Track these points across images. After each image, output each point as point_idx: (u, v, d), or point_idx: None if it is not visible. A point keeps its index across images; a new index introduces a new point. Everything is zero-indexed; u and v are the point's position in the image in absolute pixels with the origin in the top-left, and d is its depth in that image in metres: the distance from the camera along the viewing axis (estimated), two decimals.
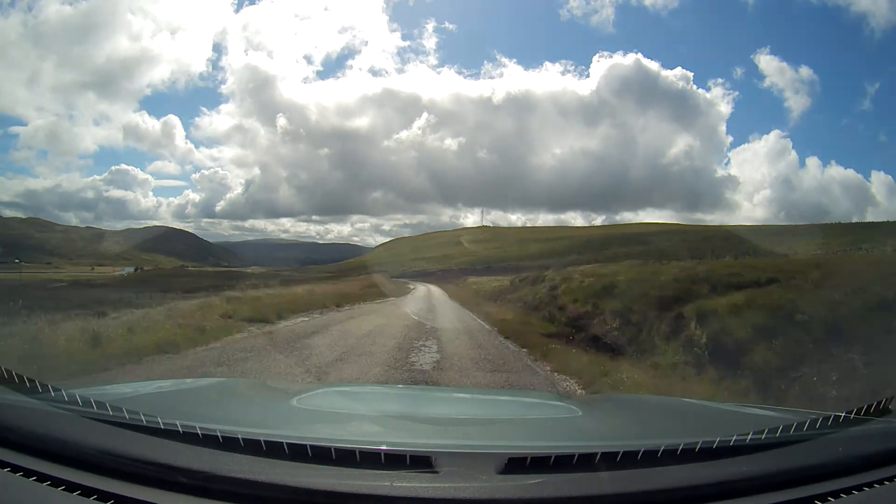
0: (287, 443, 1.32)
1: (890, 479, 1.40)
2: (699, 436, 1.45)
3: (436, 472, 1.27)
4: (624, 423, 2.31)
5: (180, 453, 1.31)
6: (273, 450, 1.31)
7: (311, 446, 1.31)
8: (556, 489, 1.25)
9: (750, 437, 1.45)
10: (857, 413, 1.66)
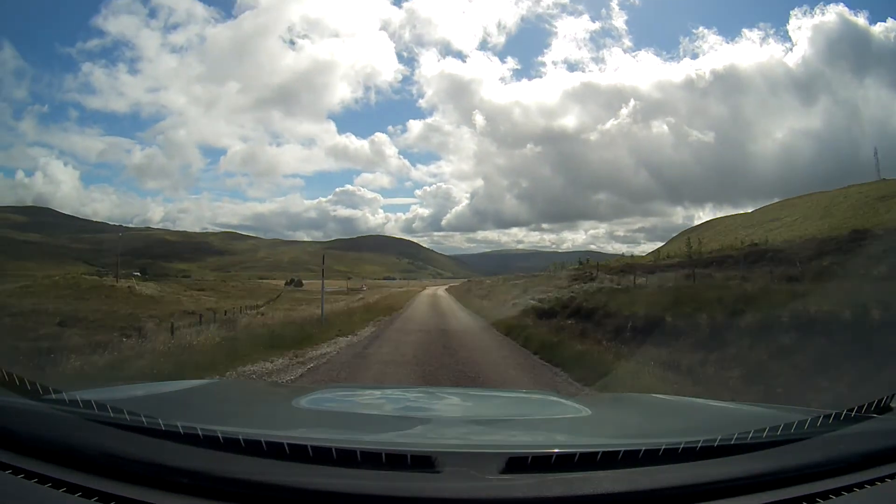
0: (288, 443, 1.32)
1: (891, 477, 1.40)
2: (700, 435, 1.45)
3: (437, 472, 1.27)
4: (625, 422, 2.31)
5: (181, 454, 1.31)
6: (274, 450, 1.31)
7: (312, 447, 1.31)
8: (558, 489, 1.25)
9: (751, 435, 1.45)
10: (857, 411, 1.66)
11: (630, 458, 1.33)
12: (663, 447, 1.36)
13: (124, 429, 1.39)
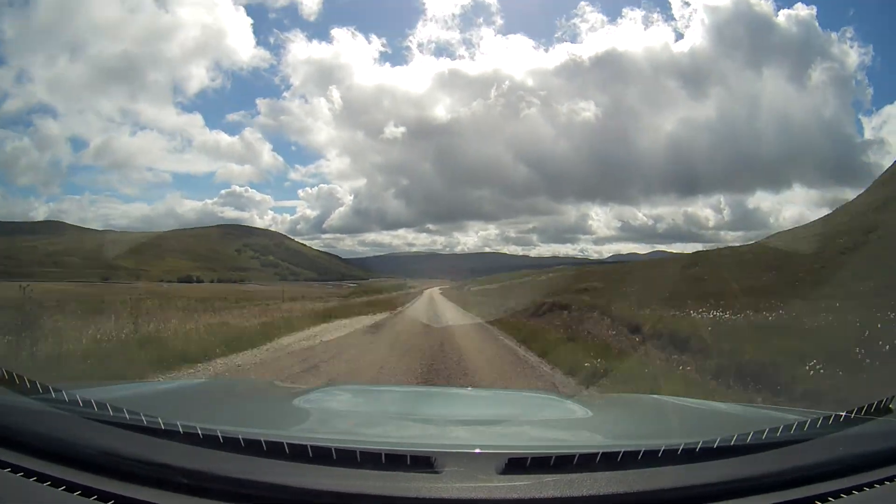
0: (287, 443, 1.32)
1: (890, 479, 1.40)
2: (700, 436, 1.45)
3: (436, 473, 1.28)
4: (625, 423, 2.31)
5: (181, 453, 1.31)
6: (273, 450, 1.31)
7: (312, 447, 1.31)
8: (557, 489, 1.25)
9: (751, 436, 1.45)
10: (858, 412, 1.66)
11: (630, 459, 1.33)
12: (663, 448, 1.36)
13: (124, 427, 1.39)
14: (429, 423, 2.17)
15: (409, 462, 1.30)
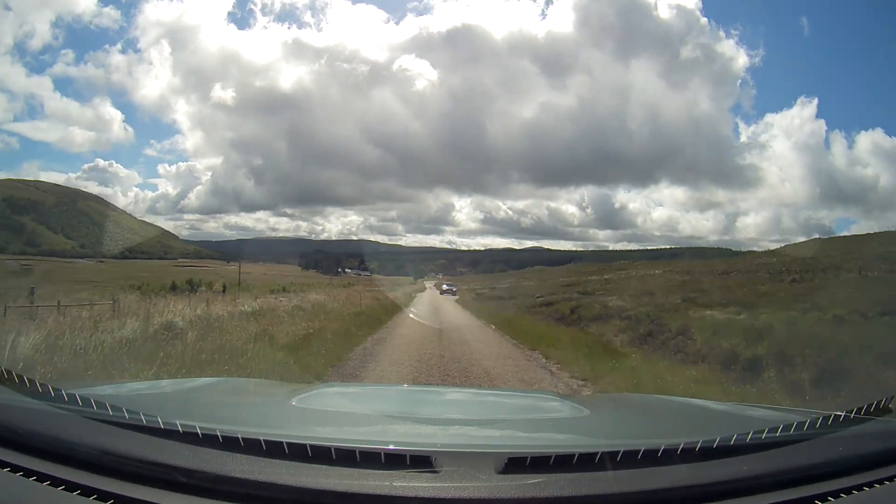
0: (287, 443, 1.32)
1: (890, 479, 1.40)
2: (699, 435, 1.45)
3: (436, 472, 1.28)
4: (624, 422, 2.31)
5: (180, 453, 1.31)
6: (273, 450, 1.31)
7: (311, 446, 1.31)
8: (557, 489, 1.25)
9: (750, 436, 1.45)
10: (857, 413, 1.66)
11: (629, 459, 1.33)
12: (662, 448, 1.36)
13: (123, 427, 1.39)
14: (428, 422, 2.17)
15: (408, 462, 1.30)
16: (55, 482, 1.27)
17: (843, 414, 1.60)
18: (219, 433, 1.34)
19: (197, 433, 1.35)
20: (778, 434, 1.48)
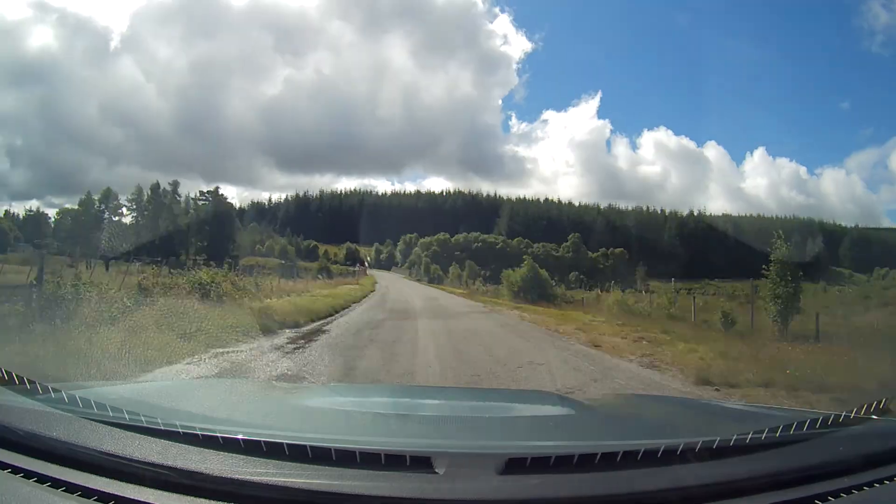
0: (287, 443, 1.32)
1: (890, 479, 1.40)
2: (700, 435, 1.45)
3: (436, 473, 1.27)
4: (624, 422, 2.31)
5: (180, 454, 1.31)
6: (273, 450, 1.31)
7: (311, 447, 1.31)
8: (557, 489, 1.25)
9: (750, 436, 1.45)
10: (858, 412, 1.67)
11: (629, 459, 1.33)
12: (662, 448, 1.36)
13: (123, 428, 1.39)
14: (428, 422, 2.17)
15: (408, 462, 1.30)
16: (55, 484, 1.27)
17: (843, 413, 1.60)
18: (219, 434, 1.34)
19: (197, 434, 1.35)
20: (779, 434, 1.48)
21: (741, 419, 2.17)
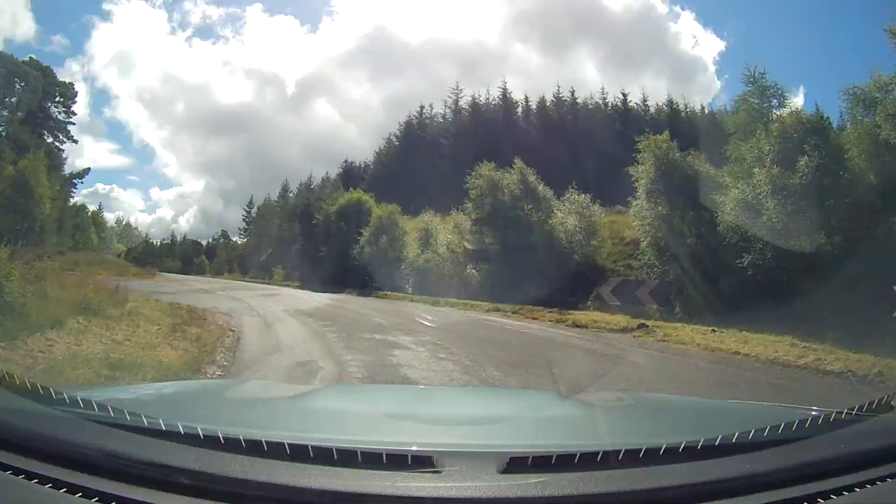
0: (288, 443, 1.32)
1: (892, 476, 1.41)
2: (701, 433, 1.45)
3: (437, 472, 1.28)
4: (625, 421, 2.31)
5: (182, 455, 1.31)
6: (274, 450, 1.31)
7: (313, 446, 1.31)
8: (559, 488, 1.25)
9: (752, 434, 1.45)
10: (859, 410, 1.67)
11: (631, 458, 1.33)
12: (664, 446, 1.36)
13: (125, 429, 1.39)
14: (429, 422, 2.17)
15: (409, 462, 1.30)
16: (57, 485, 1.27)
17: (844, 411, 1.60)
18: (220, 434, 1.34)
19: (198, 434, 1.35)
20: (780, 432, 1.48)
21: (742, 417, 2.17)
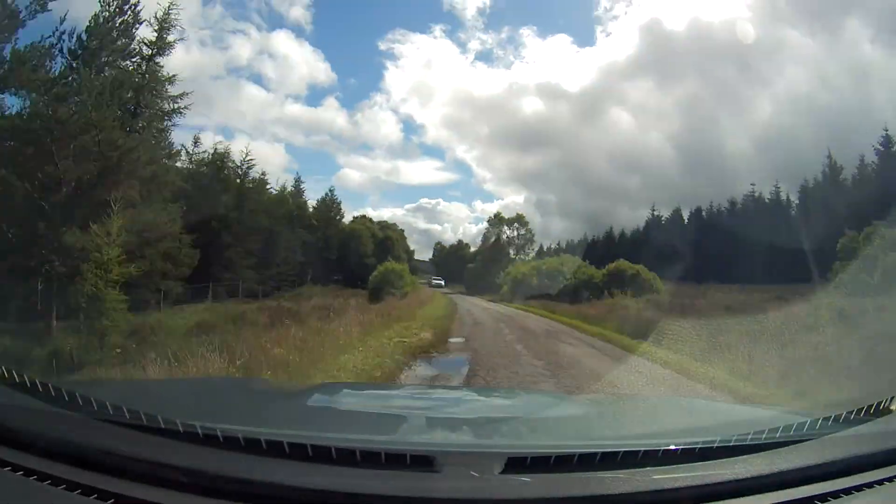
0: (288, 442, 1.32)
1: (890, 479, 1.41)
2: (699, 436, 1.45)
3: (436, 472, 1.28)
4: (625, 422, 2.31)
5: (180, 452, 1.31)
6: (273, 449, 1.31)
7: (312, 446, 1.31)
8: (557, 489, 1.25)
9: (750, 437, 1.45)
10: (857, 413, 1.67)
11: (629, 459, 1.34)
12: (662, 448, 1.36)
13: (124, 426, 1.39)
14: (429, 422, 2.17)
15: (409, 461, 1.30)
16: (56, 482, 1.27)
17: (843, 414, 1.60)
18: (219, 432, 1.34)
19: (198, 432, 1.35)
20: (778, 435, 1.48)
21: (741, 420, 2.17)
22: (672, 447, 1.37)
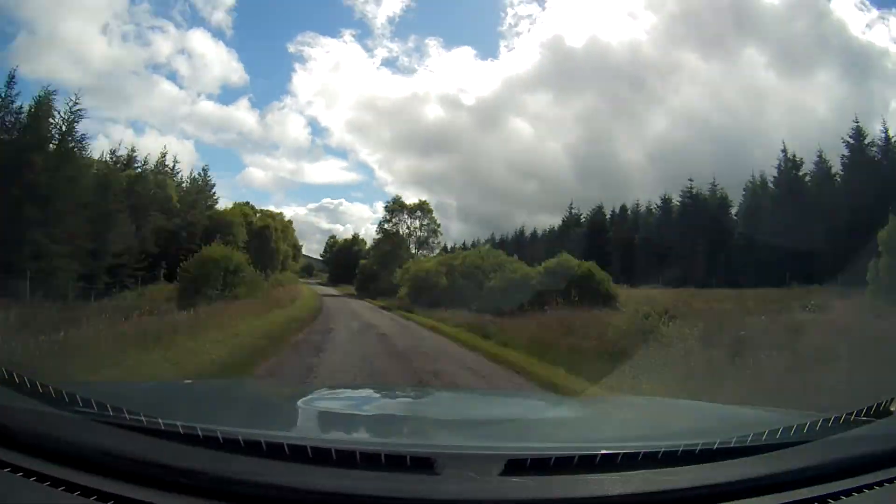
0: (287, 444, 1.32)
1: (890, 481, 1.40)
2: (700, 437, 1.45)
3: (436, 474, 1.27)
4: (624, 424, 2.31)
5: (180, 454, 1.31)
6: (273, 451, 1.31)
7: (312, 447, 1.31)
8: (557, 490, 1.25)
9: (750, 438, 1.45)
10: (858, 414, 1.66)
11: (629, 461, 1.33)
12: (663, 450, 1.36)
13: (123, 427, 1.39)
14: (429, 424, 2.17)
15: (408, 463, 1.29)
16: (55, 482, 1.27)
17: (843, 415, 1.60)
18: (219, 434, 1.34)
19: (197, 434, 1.35)
20: (778, 436, 1.48)
21: (741, 421, 2.16)
22: (672, 449, 1.37)
